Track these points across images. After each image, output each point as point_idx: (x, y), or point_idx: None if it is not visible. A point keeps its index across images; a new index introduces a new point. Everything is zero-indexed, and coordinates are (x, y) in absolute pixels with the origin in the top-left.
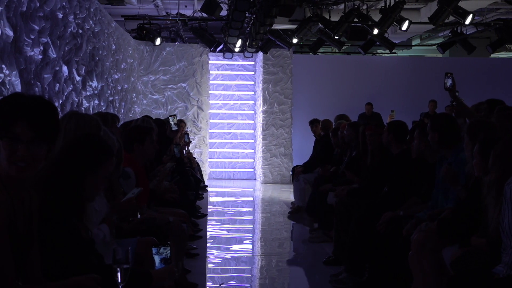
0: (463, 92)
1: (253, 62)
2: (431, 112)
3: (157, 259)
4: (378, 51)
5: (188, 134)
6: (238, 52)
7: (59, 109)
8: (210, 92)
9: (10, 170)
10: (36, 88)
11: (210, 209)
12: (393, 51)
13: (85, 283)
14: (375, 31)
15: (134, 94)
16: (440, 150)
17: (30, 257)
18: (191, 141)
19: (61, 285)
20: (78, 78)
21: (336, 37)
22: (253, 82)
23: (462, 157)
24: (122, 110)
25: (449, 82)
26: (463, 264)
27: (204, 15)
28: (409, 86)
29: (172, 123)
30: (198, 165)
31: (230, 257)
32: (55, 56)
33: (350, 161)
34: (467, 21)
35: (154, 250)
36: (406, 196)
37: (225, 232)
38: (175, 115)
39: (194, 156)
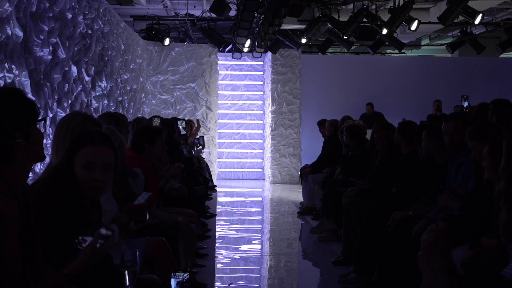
0: (472, 92)
1: (261, 62)
2: (434, 112)
3: (173, 282)
4: (387, 51)
5: (203, 137)
6: (247, 52)
7: (68, 110)
8: (219, 92)
9: None
10: (46, 89)
11: (218, 209)
12: (402, 51)
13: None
14: (384, 31)
15: (143, 94)
16: (452, 151)
17: (35, 255)
18: (203, 145)
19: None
20: (87, 79)
21: (345, 37)
22: (261, 82)
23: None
24: (131, 110)
25: (465, 104)
26: (474, 266)
27: (213, 15)
28: (418, 86)
29: (180, 127)
30: (206, 165)
31: (239, 257)
32: (64, 56)
33: (346, 162)
34: (477, 21)
35: (172, 274)
36: (415, 197)
37: (234, 232)
38: (184, 119)
39: (203, 156)
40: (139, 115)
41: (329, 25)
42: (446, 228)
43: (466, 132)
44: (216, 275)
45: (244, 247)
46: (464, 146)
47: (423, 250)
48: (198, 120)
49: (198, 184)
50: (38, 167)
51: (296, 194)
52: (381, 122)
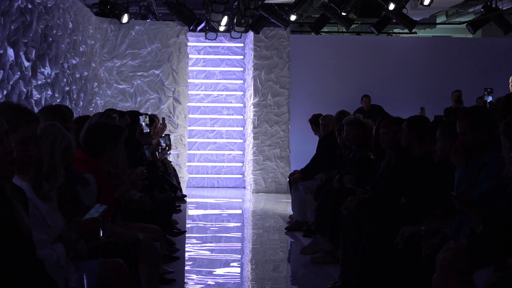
0: (497, 80)
1: (242, 44)
2: (453, 105)
3: None
4: (395, 30)
5: (169, 135)
6: (224, 31)
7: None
8: (189, 80)
9: None
10: None
11: (189, 224)
12: (413, 30)
13: None
14: (391, 6)
15: (96, 83)
16: (464, 155)
17: None
18: (169, 145)
19: None
20: (27, 64)
21: (343, 14)
22: (242, 69)
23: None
24: (81, 103)
25: (489, 99)
26: None
27: None
28: (433, 73)
29: (143, 123)
30: (174, 170)
31: (213, 283)
32: None
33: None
34: None
35: None
36: (429, 208)
37: (208, 252)
38: (147, 114)
39: (170, 160)
40: (96, 109)
41: None
42: (466, 246)
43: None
44: None
45: (219, 271)
46: (481, 148)
47: (439, 272)
48: (163, 118)
49: (164, 192)
50: None
51: (284, 206)
52: (388, 116)
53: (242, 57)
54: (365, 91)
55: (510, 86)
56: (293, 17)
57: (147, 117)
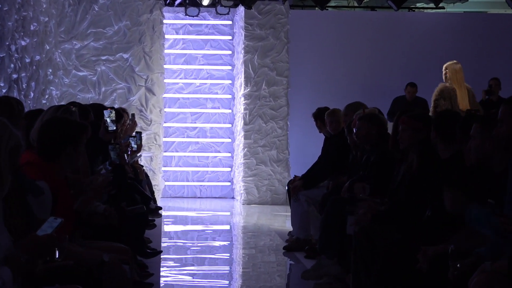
0: None
1: (230, 22)
2: (483, 96)
3: None
4: (418, 5)
5: (140, 133)
6: (208, 6)
7: None
8: (165, 66)
9: None
10: None
11: (165, 242)
12: (441, 5)
13: None
14: None
15: (50, 70)
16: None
17: None
18: (140, 146)
19: None
20: None
21: None
22: (230, 52)
23: None
24: (32, 94)
25: None
26: None
27: None
28: (465, 56)
29: (108, 120)
30: (147, 176)
31: None
32: None
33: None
34: None
35: None
36: (459, 222)
37: (188, 277)
38: (113, 107)
39: (141, 164)
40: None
41: None
42: (507, 268)
43: None
44: None
45: None
46: None
47: None
48: (133, 114)
49: (134, 204)
50: None
51: (281, 220)
52: (414, 110)
53: (230, 37)
54: (380, 79)
55: (443, 74)
56: None
57: (113, 111)
